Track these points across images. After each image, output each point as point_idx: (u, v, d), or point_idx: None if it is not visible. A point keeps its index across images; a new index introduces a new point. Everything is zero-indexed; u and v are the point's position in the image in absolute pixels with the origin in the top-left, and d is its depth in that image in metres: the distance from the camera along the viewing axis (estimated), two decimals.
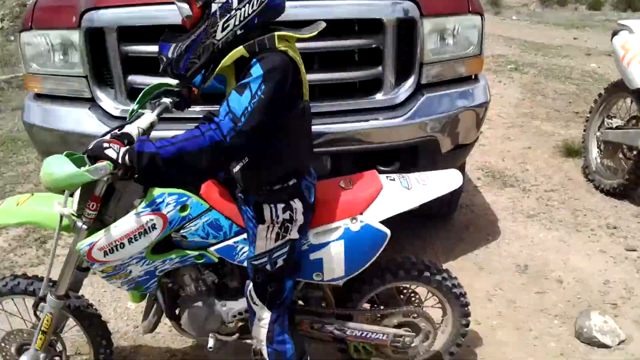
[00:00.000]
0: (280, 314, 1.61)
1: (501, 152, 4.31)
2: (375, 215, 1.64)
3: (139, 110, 1.69)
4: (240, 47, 1.35)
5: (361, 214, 1.64)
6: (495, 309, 2.45)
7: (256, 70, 1.31)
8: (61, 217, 1.55)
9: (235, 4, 1.33)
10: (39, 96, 2.46)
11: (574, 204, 3.41)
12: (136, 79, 2.24)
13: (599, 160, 3.69)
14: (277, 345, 1.62)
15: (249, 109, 1.29)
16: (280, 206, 1.51)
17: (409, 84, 2.34)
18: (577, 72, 6.80)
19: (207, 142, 1.29)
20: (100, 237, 1.52)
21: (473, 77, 2.55)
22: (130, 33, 2.17)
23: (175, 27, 2.12)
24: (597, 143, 3.69)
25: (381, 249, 1.66)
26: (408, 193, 1.67)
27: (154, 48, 2.13)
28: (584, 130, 3.83)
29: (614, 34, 3.39)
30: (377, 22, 2.18)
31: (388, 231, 1.64)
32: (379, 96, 2.31)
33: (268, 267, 1.56)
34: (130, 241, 1.53)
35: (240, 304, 1.75)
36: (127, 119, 1.72)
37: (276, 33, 1.36)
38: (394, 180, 1.71)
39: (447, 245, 2.96)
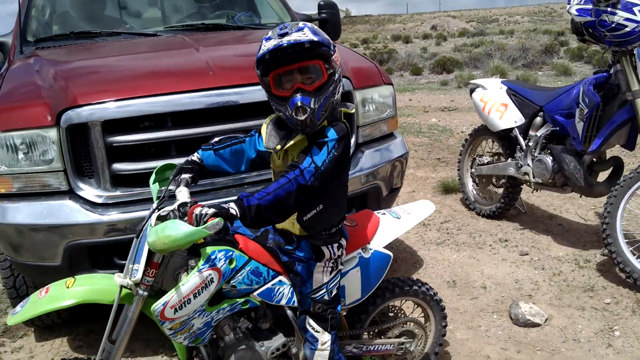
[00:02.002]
0: (335, 335, 1.93)
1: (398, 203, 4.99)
2: (380, 243, 2.06)
3: (169, 188, 1.92)
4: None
5: (369, 243, 2.05)
6: None
7: (332, 134, 1.70)
8: (121, 288, 1.73)
9: (341, 78, 1.75)
10: (4, 196, 2.47)
11: (468, 229, 4.14)
12: (120, 166, 2.42)
13: (475, 192, 4.52)
14: None
15: (327, 161, 1.66)
16: (335, 245, 1.88)
17: (352, 143, 2.85)
18: (424, 126, 7.99)
19: (294, 187, 1.62)
20: (172, 296, 1.71)
21: (392, 134, 3.14)
22: (114, 124, 2.37)
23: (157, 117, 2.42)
24: (472, 178, 4.52)
25: (387, 269, 2.08)
26: (399, 221, 2.13)
27: (138, 136, 2.42)
28: (458, 170, 4.66)
29: (472, 91, 4.31)
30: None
31: (391, 254, 2.08)
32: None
33: (326, 297, 1.89)
34: (195, 296, 1.74)
35: (274, 342, 2.01)
36: (155, 196, 1.96)
37: (342, 109, 1.78)
38: (385, 214, 2.17)
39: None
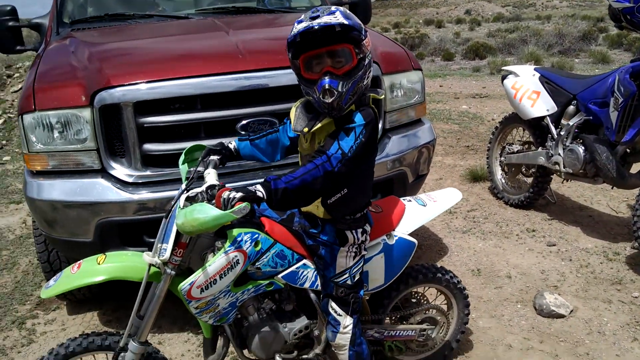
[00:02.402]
0: (357, 319, 1.96)
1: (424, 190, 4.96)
2: (405, 229, 2.07)
3: (198, 169, 1.96)
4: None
5: (394, 229, 2.06)
6: None
7: (359, 119, 1.70)
8: (149, 267, 1.78)
9: (372, 63, 1.75)
10: (40, 173, 2.56)
11: (495, 218, 4.10)
12: (151, 146, 2.47)
13: (504, 180, 4.46)
14: (357, 347, 1.96)
15: (354, 147, 1.67)
16: (359, 230, 1.90)
17: (379, 129, 2.84)
18: (454, 113, 7.88)
19: (321, 172, 1.64)
20: (198, 276, 1.76)
21: (420, 120, 3.12)
22: (145, 105, 2.42)
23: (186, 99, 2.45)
24: (501, 167, 4.46)
25: (411, 256, 2.08)
26: (425, 209, 2.13)
27: (169, 118, 2.46)
28: (487, 158, 4.60)
29: (503, 77, 4.23)
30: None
31: (416, 241, 2.08)
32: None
33: (349, 281, 1.91)
34: (221, 277, 1.78)
35: (297, 324, 2.04)
36: (184, 176, 1.99)
37: (370, 94, 1.78)
38: (410, 201, 2.17)
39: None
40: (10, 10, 3.60)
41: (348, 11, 1.71)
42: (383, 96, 1.86)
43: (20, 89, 8.64)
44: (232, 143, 2.04)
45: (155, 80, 2.42)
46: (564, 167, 3.67)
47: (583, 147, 3.53)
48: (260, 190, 1.60)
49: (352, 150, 1.69)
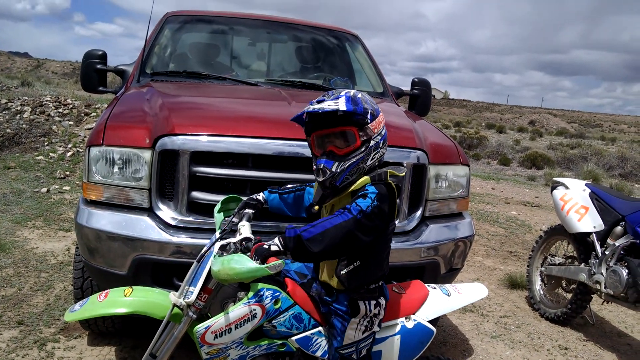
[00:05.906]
0: None
1: (455, 283, 4.87)
2: (425, 315, 2.07)
3: (234, 220, 2.06)
4: (367, 177, 1.81)
5: (414, 313, 2.06)
6: None
7: (372, 189, 1.78)
8: (173, 307, 1.85)
9: (381, 144, 1.85)
10: (93, 202, 2.73)
11: (527, 329, 3.96)
12: (199, 194, 2.61)
13: (542, 292, 4.33)
14: None
15: (370, 207, 1.72)
16: (373, 302, 1.91)
17: (418, 215, 2.89)
18: (502, 217, 7.79)
19: (339, 220, 1.69)
20: (215, 322, 1.81)
21: (461, 214, 3.15)
22: (201, 156, 2.58)
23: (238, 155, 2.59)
24: (540, 277, 4.35)
25: (428, 344, 2.06)
26: (448, 299, 2.13)
27: (221, 171, 2.60)
28: (528, 266, 4.51)
29: (553, 188, 4.23)
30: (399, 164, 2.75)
31: (434, 329, 2.06)
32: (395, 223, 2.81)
33: (354, 355, 1.91)
34: (236, 327, 1.83)
35: None
36: (218, 225, 2.10)
37: (388, 170, 1.84)
38: (435, 288, 2.17)
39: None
40: (101, 55, 3.97)
41: (359, 95, 1.83)
42: (403, 174, 1.91)
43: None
44: (261, 195, 2.15)
45: (215, 135, 2.59)
46: (604, 288, 3.56)
47: (627, 270, 3.43)
48: (277, 243, 1.71)
49: (370, 209, 1.73)
